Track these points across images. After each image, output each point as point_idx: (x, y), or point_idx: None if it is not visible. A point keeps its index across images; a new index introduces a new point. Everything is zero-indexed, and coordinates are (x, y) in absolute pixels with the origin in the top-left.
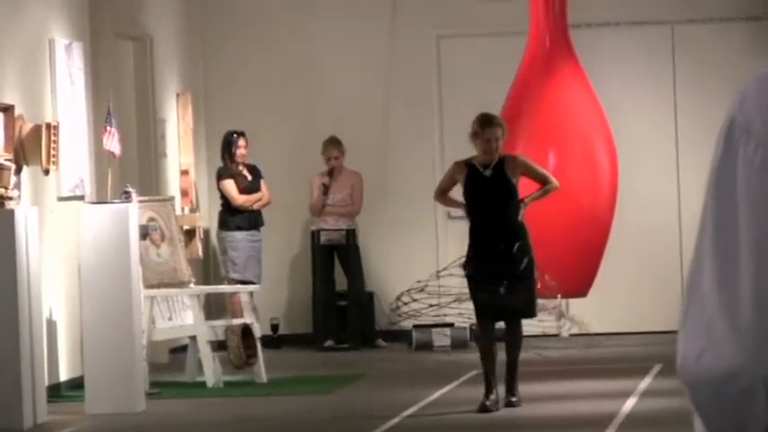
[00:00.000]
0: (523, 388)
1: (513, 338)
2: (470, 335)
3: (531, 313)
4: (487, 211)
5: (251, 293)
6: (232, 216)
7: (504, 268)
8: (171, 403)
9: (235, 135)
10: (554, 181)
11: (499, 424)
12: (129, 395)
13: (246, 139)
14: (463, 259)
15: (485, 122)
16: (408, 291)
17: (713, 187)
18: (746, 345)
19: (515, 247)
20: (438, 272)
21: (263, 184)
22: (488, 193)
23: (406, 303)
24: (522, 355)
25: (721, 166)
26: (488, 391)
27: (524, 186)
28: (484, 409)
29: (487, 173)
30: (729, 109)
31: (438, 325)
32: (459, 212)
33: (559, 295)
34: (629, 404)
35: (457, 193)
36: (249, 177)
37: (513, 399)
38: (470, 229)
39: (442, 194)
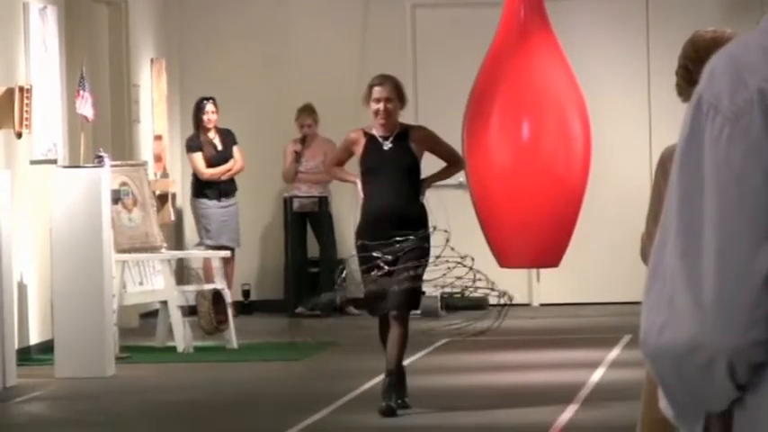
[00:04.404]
0: (493, 357)
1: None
2: (441, 304)
3: (415, 305)
4: (384, 188)
5: (223, 259)
6: (202, 186)
7: (396, 262)
8: (141, 368)
9: (204, 101)
10: (462, 160)
11: (467, 392)
12: (99, 359)
13: (216, 105)
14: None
15: (375, 80)
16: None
17: (679, 162)
18: (708, 318)
19: (412, 236)
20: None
21: (236, 150)
22: (387, 169)
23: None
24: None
25: (688, 141)
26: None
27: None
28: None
29: (387, 145)
30: (698, 85)
31: None
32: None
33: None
34: (598, 374)
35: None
36: (219, 147)
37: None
38: (362, 209)
39: (337, 166)
